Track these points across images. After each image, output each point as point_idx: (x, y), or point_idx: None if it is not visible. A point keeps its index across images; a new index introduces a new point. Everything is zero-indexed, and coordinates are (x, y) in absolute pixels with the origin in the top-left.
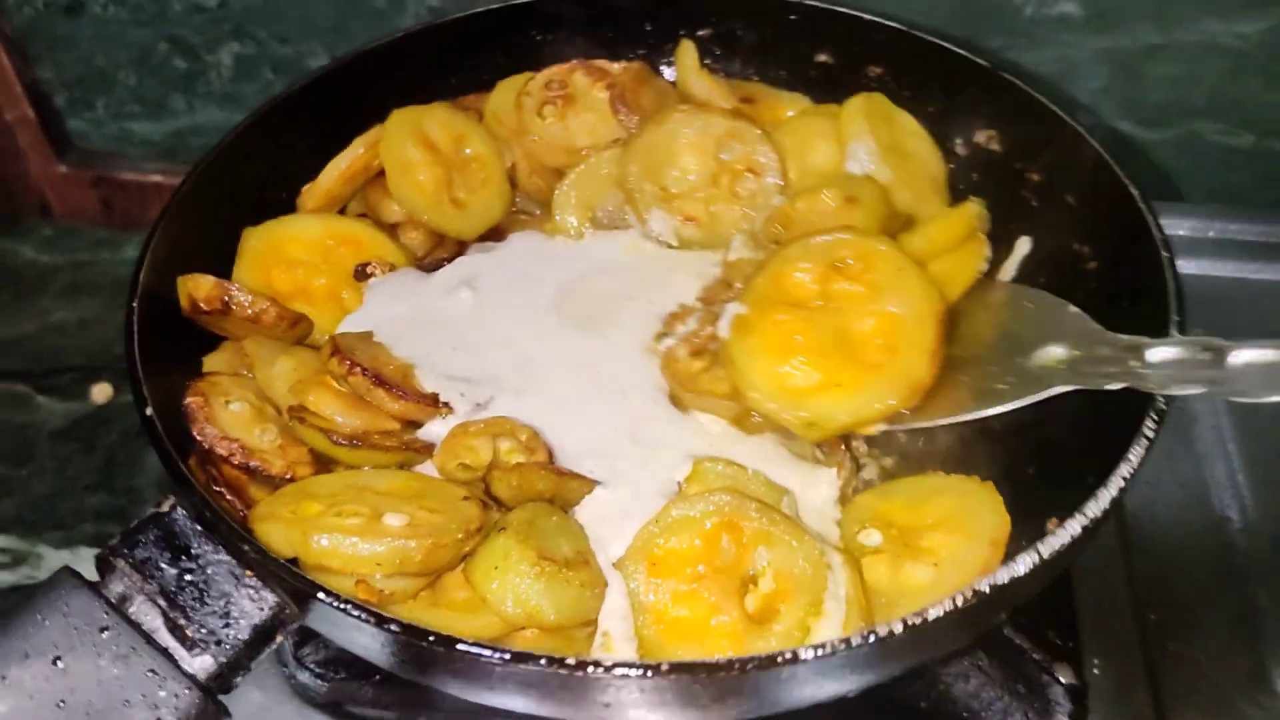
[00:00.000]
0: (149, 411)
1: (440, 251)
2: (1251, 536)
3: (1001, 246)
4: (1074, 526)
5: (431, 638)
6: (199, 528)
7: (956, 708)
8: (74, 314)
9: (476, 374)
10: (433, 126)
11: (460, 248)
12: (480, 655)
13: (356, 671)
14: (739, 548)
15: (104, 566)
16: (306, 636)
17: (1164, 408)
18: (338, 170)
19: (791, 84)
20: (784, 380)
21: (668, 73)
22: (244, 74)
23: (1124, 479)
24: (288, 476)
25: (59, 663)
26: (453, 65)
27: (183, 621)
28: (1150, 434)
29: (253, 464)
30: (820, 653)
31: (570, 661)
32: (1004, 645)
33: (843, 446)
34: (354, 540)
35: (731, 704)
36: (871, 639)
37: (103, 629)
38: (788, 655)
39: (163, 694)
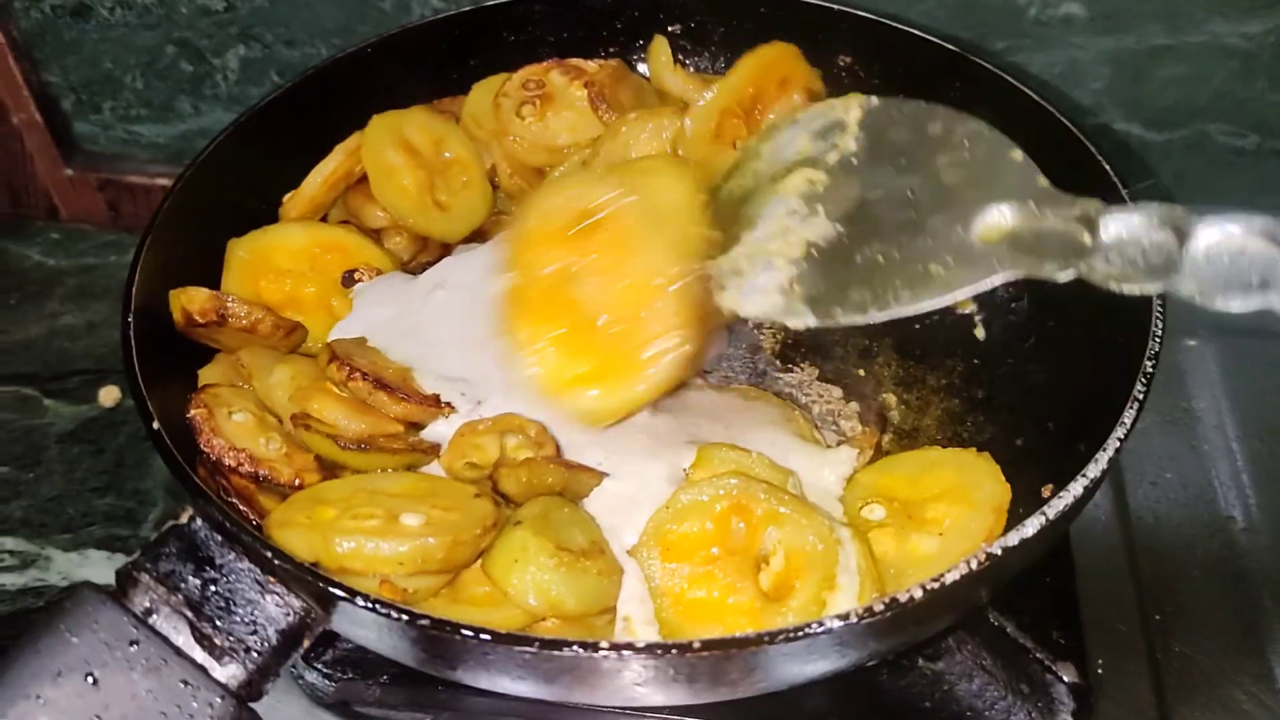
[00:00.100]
0: (156, 426)
1: (425, 255)
2: (1255, 536)
3: None
4: (1075, 488)
5: (466, 630)
6: (220, 538)
7: (960, 707)
8: (81, 317)
9: (472, 373)
10: (412, 131)
11: (445, 250)
12: (514, 644)
13: (364, 671)
14: (750, 528)
15: (126, 580)
16: (316, 638)
17: (1151, 371)
18: (320, 178)
19: None
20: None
21: (640, 70)
22: (250, 77)
23: (1119, 440)
24: (296, 484)
25: (91, 679)
26: (425, 70)
27: (210, 631)
28: (1140, 396)
29: (261, 473)
30: (844, 622)
31: (604, 645)
32: (1008, 644)
33: (877, 430)
34: (376, 541)
35: (758, 677)
36: (894, 606)
37: (132, 642)
38: (815, 626)
39: (196, 705)
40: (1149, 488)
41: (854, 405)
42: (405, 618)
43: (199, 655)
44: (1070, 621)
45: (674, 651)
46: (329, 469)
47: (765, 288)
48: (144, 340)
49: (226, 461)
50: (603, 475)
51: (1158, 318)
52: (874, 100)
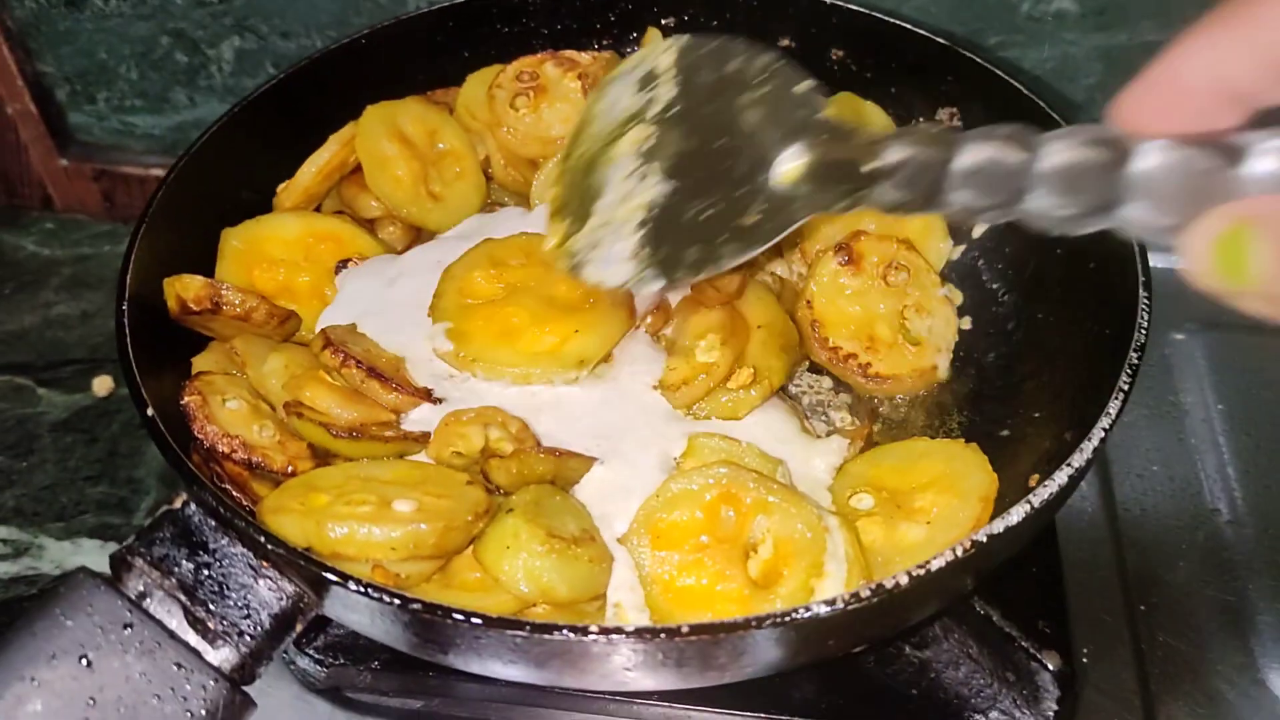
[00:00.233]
0: (150, 412)
1: (418, 245)
2: (1241, 529)
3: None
4: (1060, 477)
5: (458, 614)
6: (213, 523)
7: (946, 695)
8: (76, 307)
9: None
10: (406, 121)
11: None
12: (505, 628)
13: (356, 657)
14: (739, 517)
15: (120, 565)
16: (308, 623)
17: (1136, 362)
18: (314, 168)
19: None
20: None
21: None
22: (245, 69)
23: (1104, 429)
24: (289, 471)
25: (85, 661)
26: (418, 61)
27: (203, 615)
28: (1126, 387)
29: (254, 460)
30: (830, 608)
31: (594, 629)
32: (994, 633)
33: (869, 421)
34: (368, 527)
35: (747, 662)
36: (880, 592)
37: (126, 625)
38: (802, 611)
39: (189, 687)
40: (1136, 480)
41: (844, 396)
42: (397, 602)
43: (192, 638)
44: (1056, 611)
45: (662, 636)
46: (322, 457)
47: (619, 256)
48: (138, 328)
49: (220, 448)
50: (592, 461)
51: (1144, 310)
52: (684, 40)
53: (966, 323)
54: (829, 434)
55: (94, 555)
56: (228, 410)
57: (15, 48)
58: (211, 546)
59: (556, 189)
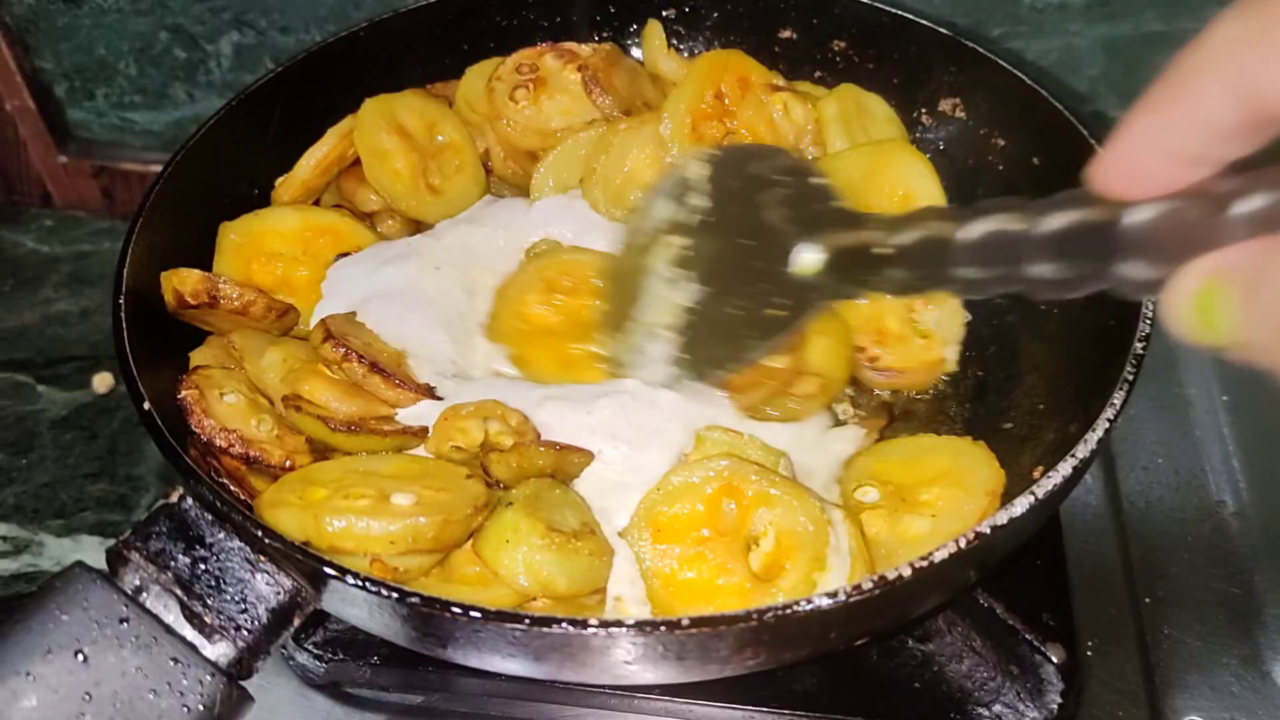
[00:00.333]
0: (147, 406)
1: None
2: (1246, 521)
3: None
4: (1065, 468)
5: (456, 608)
6: (210, 517)
7: (950, 688)
8: (75, 304)
9: (459, 355)
10: (405, 114)
11: None
12: (504, 621)
13: (355, 652)
14: (740, 510)
15: (116, 560)
16: (306, 618)
17: (1141, 352)
18: (313, 161)
19: (758, 61)
20: None
21: (635, 54)
22: (244, 64)
23: (1109, 420)
24: (287, 465)
25: (81, 656)
26: (417, 54)
27: (200, 609)
28: (1130, 377)
29: (252, 454)
30: (832, 600)
31: (593, 622)
32: (998, 626)
33: (885, 415)
34: (367, 520)
35: (748, 655)
36: (882, 584)
37: (122, 620)
38: (803, 603)
39: (186, 682)
40: (1140, 472)
41: (848, 389)
42: (395, 595)
43: (189, 633)
44: (1060, 604)
45: (663, 628)
46: (320, 451)
47: (657, 359)
48: (135, 322)
49: (218, 442)
50: (592, 454)
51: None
52: (714, 153)
53: (967, 315)
54: (838, 425)
55: (94, 552)
56: (225, 404)
57: (14, 44)
58: (208, 540)
59: (604, 300)
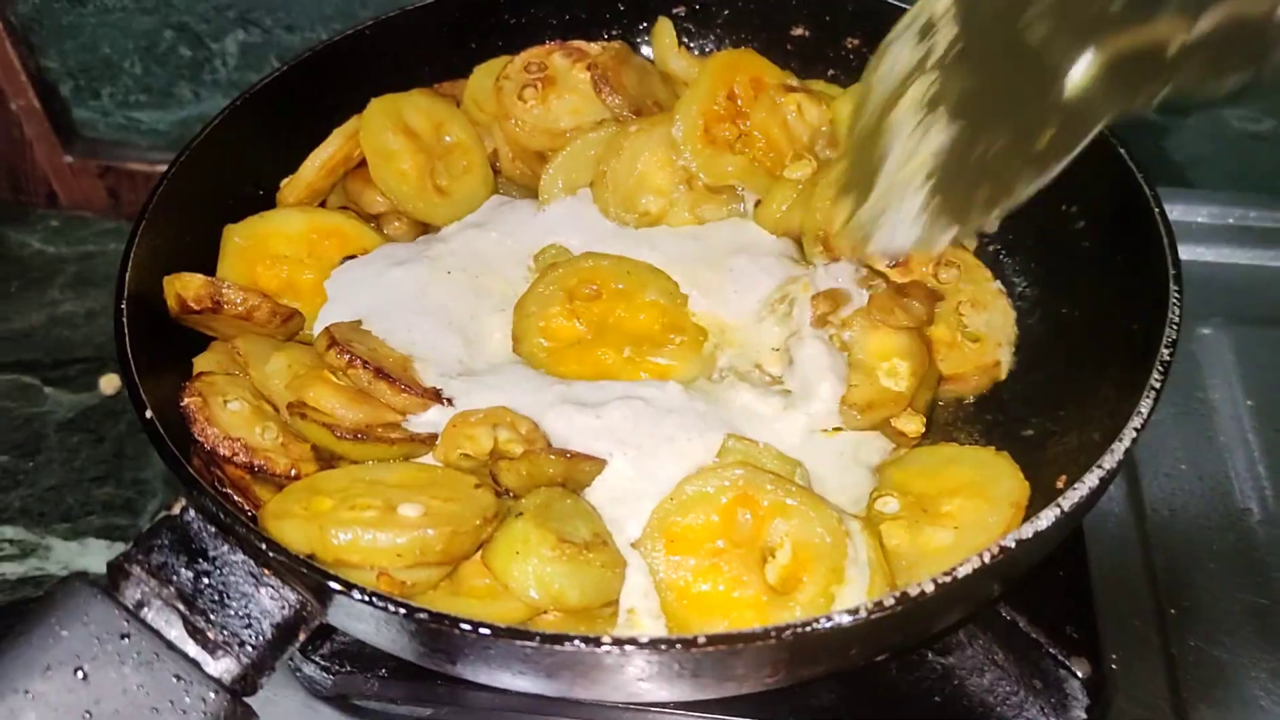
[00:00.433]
0: (149, 415)
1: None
2: (1272, 529)
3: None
4: (1091, 479)
5: (465, 625)
6: (213, 529)
7: (971, 702)
8: (82, 305)
9: (468, 360)
10: (412, 114)
11: None
12: (514, 639)
13: (363, 664)
14: (756, 520)
15: (117, 573)
16: (312, 632)
17: (1168, 359)
18: (318, 162)
19: (770, 60)
20: None
21: (645, 53)
22: (250, 62)
23: (1135, 430)
24: (292, 474)
25: (81, 673)
26: (424, 53)
27: (203, 625)
28: (1158, 385)
29: (256, 463)
30: (852, 617)
31: (606, 640)
32: (1020, 639)
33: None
34: (373, 533)
35: (765, 673)
36: (904, 600)
37: (123, 636)
38: (823, 621)
39: (189, 699)
40: (1164, 480)
41: None
42: (403, 611)
43: (191, 649)
44: (1084, 616)
45: (678, 646)
46: (326, 459)
47: (907, 216)
48: (138, 327)
49: (221, 451)
50: (603, 462)
51: (1175, 304)
52: None
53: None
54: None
55: (100, 556)
56: (229, 412)
57: (18, 43)
58: (211, 554)
59: (840, 166)
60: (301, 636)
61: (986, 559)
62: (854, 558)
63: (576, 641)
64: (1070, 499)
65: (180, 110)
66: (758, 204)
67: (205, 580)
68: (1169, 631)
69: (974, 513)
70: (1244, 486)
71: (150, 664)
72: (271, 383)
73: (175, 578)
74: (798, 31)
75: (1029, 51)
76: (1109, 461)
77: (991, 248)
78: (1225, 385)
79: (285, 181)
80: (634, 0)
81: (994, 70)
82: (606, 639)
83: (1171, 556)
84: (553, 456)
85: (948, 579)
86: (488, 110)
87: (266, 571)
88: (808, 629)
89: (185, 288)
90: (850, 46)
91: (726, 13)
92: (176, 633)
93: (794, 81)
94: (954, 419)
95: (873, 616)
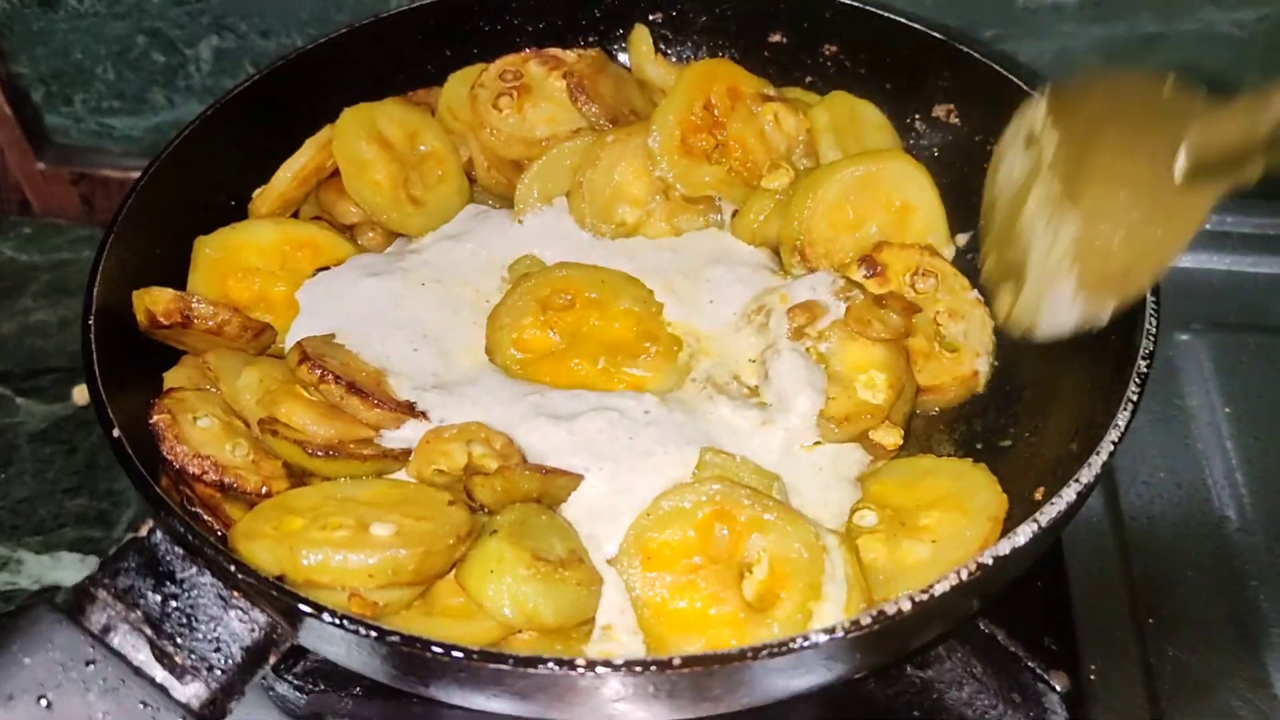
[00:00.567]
0: (116, 433)
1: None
2: (1251, 536)
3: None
4: (1069, 493)
5: (437, 647)
6: (181, 552)
7: (950, 716)
8: (55, 314)
9: (444, 371)
10: (386, 123)
11: None
12: (487, 661)
13: (337, 683)
14: (733, 535)
15: (83, 597)
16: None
17: (1145, 371)
18: (290, 172)
19: (747, 67)
20: None
21: (621, 60)
22: (224, 68)
23: (1113, 443)
24: (263, 492)
25: (45, 701)
26: (399, 60)
27: (171, 649)
28: (1135, 397)
29: (227, 481)
30: (829, 636)
31: (581, 662)
32: (999, 652)
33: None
34: (344, 553)
35: (742, 693)
36: (881, 619)
37: (88, 662)
38: (800, 640)
39: None
40: (1142, 488)
41: None
42: (374, 634)
43: (159, 674)
44: (1062, 628)
45: (653, 668)
46: (298, 476)
47: (1065, 300)
48: (107, 342)
49: (190, 469)
50: (579, 477)
51: (1152, 315)
52: (1047, 90)
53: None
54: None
55: (73, 570)
56: (199, 429)
57: None
58: (179, 576)
59: (989, 263)
60: (272, 659)
61: (964, 576)
62: (831, 573)
63: (551, 664)
64: (1048, 514)
65: (154, 116)
66: (735, 214)
67: (173, 603)
68: (1148, 641)
69: (952, 526)
70: (1222, 494)
71: (116, 690)
72: (243, 398)
73: (142, 601)
74: (775, 38)
75: (1132, 145)
76: (1086, 475)
77: (969, 256)
78: (1203, 392)
79: (257, 192)
80: (611, 7)
81: (1101, 164)
82: (581, 662)
83: (1150, 565)
84: (528, 472)
85: (925, 596)
86: (463, 119)
87: (235, 594)
88: (784, 649)
89: (155, 302)
90: (828, 53)
91: (704, 19)
92: (144, 657)
93: (771, 90)
94: (931, 430)
95: (850, 635)
